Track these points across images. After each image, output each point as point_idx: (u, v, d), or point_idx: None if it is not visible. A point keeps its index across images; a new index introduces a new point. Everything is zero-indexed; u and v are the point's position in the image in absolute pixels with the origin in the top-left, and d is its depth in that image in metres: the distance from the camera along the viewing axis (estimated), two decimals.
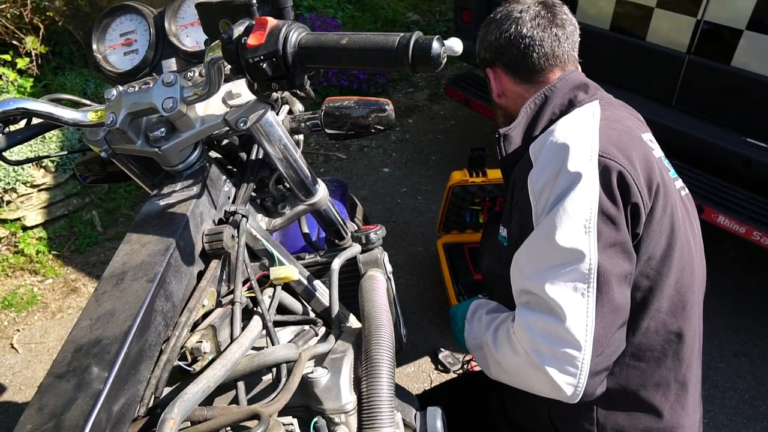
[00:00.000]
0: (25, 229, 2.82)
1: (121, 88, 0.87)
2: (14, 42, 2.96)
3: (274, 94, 0.85)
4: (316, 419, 0.77)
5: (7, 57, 2.90)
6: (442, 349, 2.17)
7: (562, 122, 1.08)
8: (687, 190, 1.20)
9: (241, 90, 0.92)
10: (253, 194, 1.14)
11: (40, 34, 2.99)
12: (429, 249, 2.72)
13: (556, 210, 0.96)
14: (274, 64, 0.68)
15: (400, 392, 1.09)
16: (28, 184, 2.75)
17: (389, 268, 1.08)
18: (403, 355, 2.18)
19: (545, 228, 0.97)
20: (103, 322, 0.68)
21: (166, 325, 0.74)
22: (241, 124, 0.88)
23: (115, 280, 0.75)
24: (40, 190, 2.81)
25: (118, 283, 0.74)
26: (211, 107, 0.91)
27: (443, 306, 2.37)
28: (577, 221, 0.95)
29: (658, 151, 1.14)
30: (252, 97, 0.88)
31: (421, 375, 2.09)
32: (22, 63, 2.92)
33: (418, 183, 3.35)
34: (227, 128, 0.89)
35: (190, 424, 0.70)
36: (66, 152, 1.24)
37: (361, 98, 1.04)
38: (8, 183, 2.67)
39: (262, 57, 0.67)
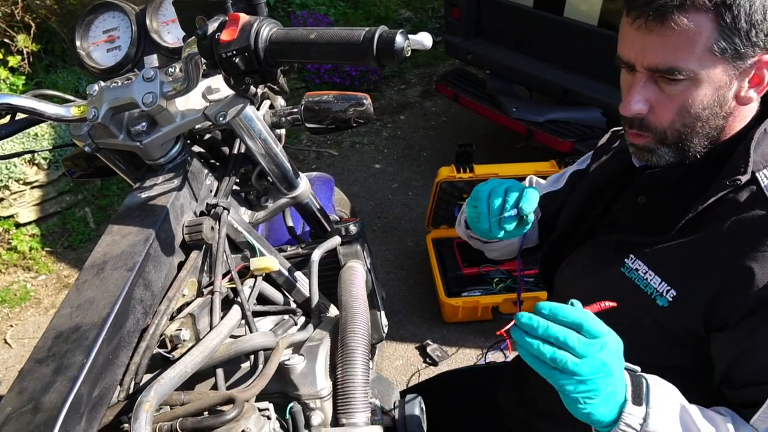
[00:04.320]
0: (18, 226, 2.84)
1: (103, 83, 0.89)
2: (6, 40, 2.98)
3: (252, 89, 0.87)
4: (291, 404, 0.79)
5: None
6: (430, 342, 2.20)
7: None
8: None
9: (220, 85, 0.94)
10: (237, 188, 1.17)
11: (32, 32, 3.00)
12: (419, 244, 2.74)
13: None
14: (246, 58, 0.70)
15: (381, 381, 1.12)
16: (21, 182, 2.76)
17: (369, 259, 1.10)
18: (391, 349, 2.20)
19: None
20: (83, 310, 0.71)
21: (145, 313, 0.76)
22: (221, 119, 0.90)
23: (95, 270, 0.77)
24: (33, 188, 2.83)
25: (99, 272, 0.77)
26: (191, 102, 0.93)
27: (432, 300, 2.39)
28: None
29: None
30: (231, 92, 0.90)
31: (410, 368, 2.12)
32: (14, 61, 2.93)
33: (409, 179, 3.37)
34: (207, 122, 0.91)
35: (168, 409, 0.73)
36: (51, 147, 1.26)
37: (340, 93, 1.06)
38: (0, 180, 2.68)
39: (234, 52, 0.69)
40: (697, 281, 0.80)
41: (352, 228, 1.08)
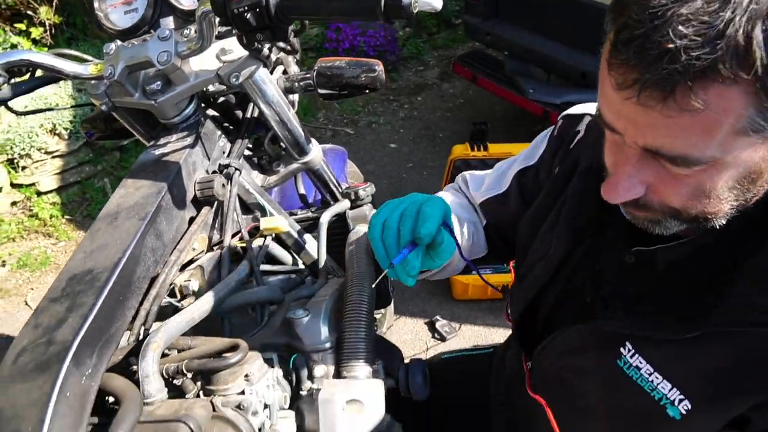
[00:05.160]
0: (39, 194, 2.90)
1: (119, 42, 0.92)
2: (29, 12, 3.02)
3: (265, 51, 0.89)
4: (295, 356, 0.82)
5: (22, 26, 2.96)
6: (439, 318, 2.22)
7: None
8: None
9: (234, 47, 0.95)
10: (250, 152, 1.19)
11: (54, 4, 3.04)
12: None
13: None
14: (257, 14, 0.71)
15: (386, 345, 1.14)
16: (43, 151, 2.82)
17: None
18: (401, 323, 2.23)
19: None
20: (96, 255, 0.73)
21: (156, 261, 0.79)
22: (234, 80, 0.92)
23: (109, 219, 0.80)
24: (53, 157, 2.88)
25: (112, 221, 0.79)
26: (206, 63, 0.95)
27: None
28: None
29: None
30: (244, 53, 0.92)
31: (418, 342, 2.15)
32: (36, 32, 2.98)
33: (425, 159, 3.38)
34: (220, 82, 0.93)
35: (176, 353, 0.76)
36: (70, 106, 1.29)
37: (352, 59, 1.07)
38: (23, 149, 2.74)
39: (246, 7, 0.71)
40: (720, 394, 0.62)
41: (361, 192, 1.10)
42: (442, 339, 2.15)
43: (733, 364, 0.60)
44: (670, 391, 0.65)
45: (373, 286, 0.83)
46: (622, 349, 0.69)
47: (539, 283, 0.85)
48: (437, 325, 2.19)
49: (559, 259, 0.81)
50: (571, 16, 2.64)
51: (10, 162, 2.78)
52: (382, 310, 1.78)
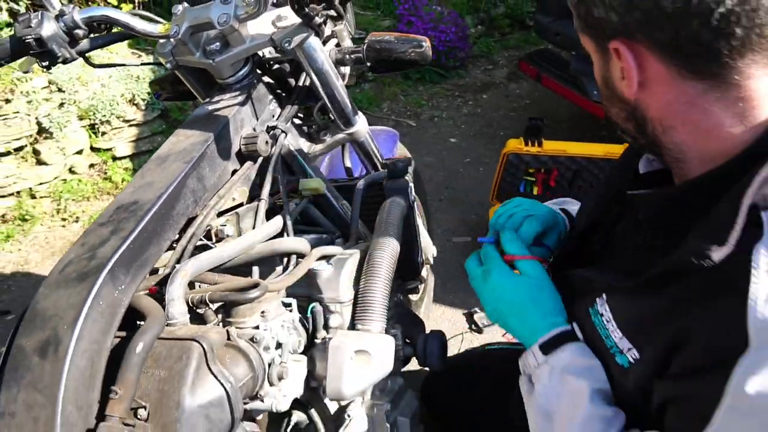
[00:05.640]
0: (114, 158, 3.11)
1: (186, 4, 0.99)
2: None
3: (317, 19, 0.94)
4: (313, 305, 0.86)
5: (114, 2, 3.17)
6: (478, 310, 2.22)
7: None
8: None
9: (288, 15, 1.01)
10: (301, 121, 1.25)
11: None
12: (482, 217, 2.75)
13: None
14: None
15: (411, 315, 1.16)
16: (121, 119, 3.02)
17: (413, 197, 1.14)
18: (440, 311, 2.25)
19: None
20: (142, 190, 0.81)
21: (195, 201, 0.85)
22: (286, 45, 0.98)
23: (159, 161, 0.87)
24: (130, 125, 3.08)
25: (161, 163, 0.86)
26: (262, 28, 1.01)
27: None
28: None
29: None
30: (297, 20, 0.97)
31: (455, 331, 2.16)
32: (126, 8, 3.18)
33: (483, 156, 3.36)
34: (273, 47, 0.99)
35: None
36: (140, 63, 1.39)
37: (401, 35, 1.11)
38: (104, 116, 2.94)
39: None
40: (660, 338, 0.63)
41: (399, 164, 1.12)
42: (479, 330, 2.15)
43: (672, 305, 0.62)
44: (620, 340, 0.68)
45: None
46: (597, 299, 0.72)
47: (575, 239, 0.92)
48: (475, 317, 2.19)
49: (588, 214, 0.89)
50: None
51: (92, 127, 2.99)
52: (418, 294, 1.81)
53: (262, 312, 0.76)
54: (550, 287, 0.83)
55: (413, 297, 1.81)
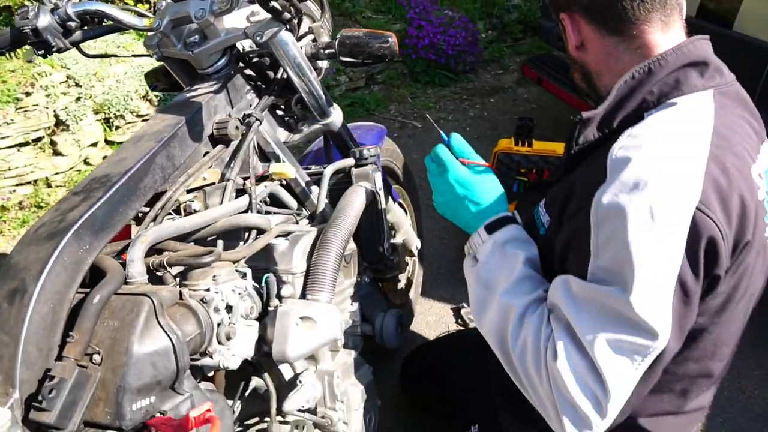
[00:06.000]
0: None
1: (169, 0, 1.08)
2: None
3: (285, 14, 1.02)
4: (267, 275, 0.94)
5: (130, 1, 3.31)
6: (465, 306, 2.27)
7: (659, 128, 0.83)
8: None
9: (261, 11, 1.09)
10: (282, 112, 1.33)
11: None
12: None
13: (629, 262, 0.76)
14: None
15: (371, 296, 1.24)
16: (135, 114, 3.14)
17: (379, 184, 1.21)
18: (427, 305, 2.30)
19: (613, 274, 0.78)
20: (115, 165, 0.89)
21: (164, 177, 0.93)
22: (258, 38, 1.06)
23: (134, 141, 0.96)
24: (143, 120, 3.20)
25: (136, 142, 0.95)
26: (237, 22, 1.09)
27: None
28: (653, 287, 0.76)
29: (763, 191, 0.88)
30: (269, 16, 1.05)
31: (440, 326, 2.21)
32: (142, 7, 3.31)
33: (485, 157, 3.40)
34: (246, 39, 1.07)
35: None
36: (131, 55, 1.49)
37: (370, 31, 1.18)
38: (118, 110, 3.07)
39: None
40: (558, 201, 0.92)
41: (365, 152, 1.20)
42: (465, 325, 2.20)
43: (571, 176, 0.91)
44: (543, 215, 0.96)
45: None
46: (540, 202, 0.99)
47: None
48: (462, 312, 2.24)
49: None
50: None
51: (107, 121, 3.12)
52: (399, 284, 1.87)
53: (214, 276, 0.83)
54: (497, 184, 1.03)
55: (398, 286, 1.87)
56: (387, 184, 1.58)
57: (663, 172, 0.77)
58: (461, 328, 2.21)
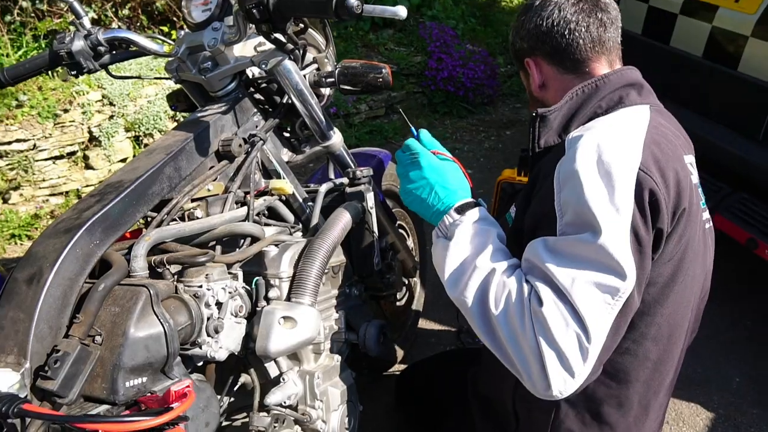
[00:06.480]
0: None
1: (186, 29, 1.21)
2: (174, 18, 3.59)
3: (289, 45, 1.14)
4: (257, 279, 1.03)
5: (165, 28, 3.52)
6: (464, 328, 2.33)
7: (607, 119, 1.04)
8: (711, 223, 1.15)
9: (268, 42, 1.21)
10: (288, 134, 1.44)
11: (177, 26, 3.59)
12: None
13: (591, 213, 0.89)
14: (261, 10, 0.96)
15: (358, 307, 1.32)
16: (162, 132, 3.32)
17: (371, 203, 1.31)
18: (430, 326, 2.37)
19: (580, 226, 0.90)
20: (128, 172, 1.01)
21: (170, 186, 1.04)
22: (263, 65, 1.18)
23: (147, 153, 1.08)
24: None
25: (148, 154, 1.07)
26: (245, 51, 1.22)
27: None
28: (615, 232, 0.88)
29: (695, 177, 1.08)
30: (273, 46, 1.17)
31: (441, 347, 2.27)
32: (174, 35, 3.52)
33: (489, 187, 3.49)
34: (253, 66, 1.19)
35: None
36: (155, 77, 1.63)
37: (366, 62, 1.29)
38: (148, 129, 3.25)
39: (254, 4, 0.96)
40: (525, 192, 1.11)
41: (358, 173, 1.30)
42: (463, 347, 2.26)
43: (536, 171, 1.09)
44: (511, 212, 1.15)
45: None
46: (510, 210, 1.20)
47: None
48: (461, 335, 2.30)
49: None
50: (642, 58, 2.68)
51: (136, 138, 3.30)
52: (399, 302, 1.95)
53: (207, 275, 0.93)
54: (462, 174, 1.16)
55: (397, 305, 1.95)
56: (386, 205, 1.68)
57: (611, 143, 0.94)
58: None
